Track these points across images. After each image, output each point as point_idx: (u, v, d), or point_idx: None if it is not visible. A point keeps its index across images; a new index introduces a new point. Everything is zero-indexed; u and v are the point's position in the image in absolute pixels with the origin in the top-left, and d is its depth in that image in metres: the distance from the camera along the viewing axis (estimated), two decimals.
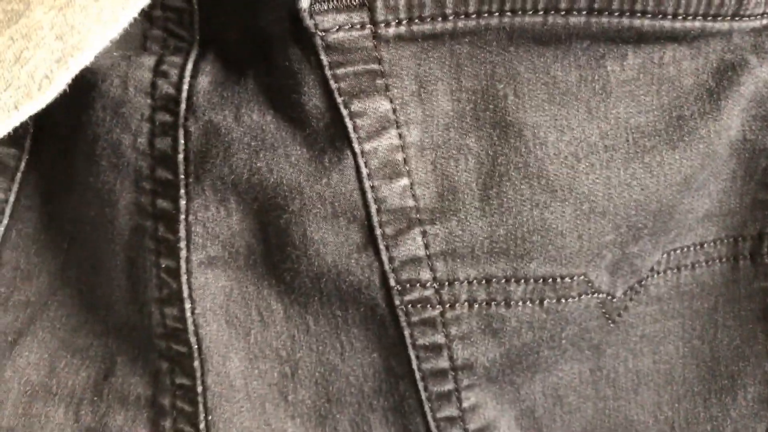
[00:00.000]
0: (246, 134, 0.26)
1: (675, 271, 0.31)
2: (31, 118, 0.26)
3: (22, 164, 0.28)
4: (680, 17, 0.27)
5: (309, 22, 0.25)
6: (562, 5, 0.26)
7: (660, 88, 0.28)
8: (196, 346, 0.27)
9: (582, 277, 0.29)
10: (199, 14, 0.27)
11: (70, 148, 0.28)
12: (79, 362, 0.28)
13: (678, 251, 0.31)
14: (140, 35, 0.27)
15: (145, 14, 0.27)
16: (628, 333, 0.31)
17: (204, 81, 0.27)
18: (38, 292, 0.28)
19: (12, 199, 0.28)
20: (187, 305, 0.27)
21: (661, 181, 0.28)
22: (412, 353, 0.28)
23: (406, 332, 0.28)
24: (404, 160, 0.27)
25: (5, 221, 0.28)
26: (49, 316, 0.28)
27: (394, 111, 0.27)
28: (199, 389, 0.27)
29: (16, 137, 0.28)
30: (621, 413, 0.32)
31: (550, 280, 0.28)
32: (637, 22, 0.27)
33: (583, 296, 0.29)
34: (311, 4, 0.25)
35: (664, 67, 0.28)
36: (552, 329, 0.29)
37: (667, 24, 0.27)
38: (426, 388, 0.29)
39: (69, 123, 0.28)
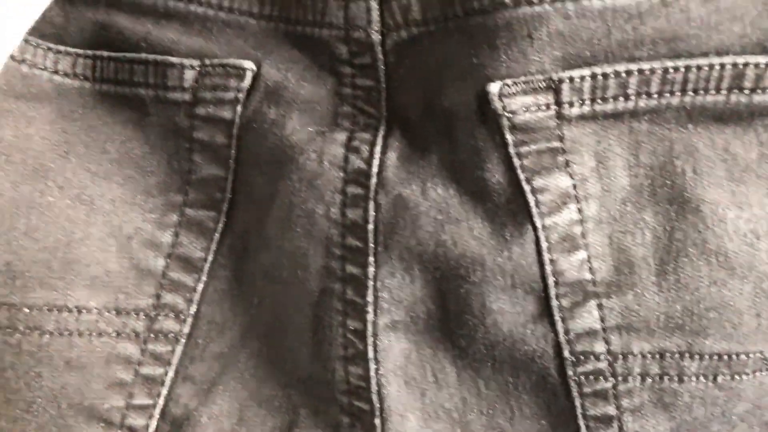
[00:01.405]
0: (432, 208, 0.28)
1: None
2: (227, 185, 0.29)
3: (220, 226, 0.31)
4: None
5: (497, 104, 0.27)
6: (747, 84, 0.26)
7: None
8: (378, 405, 0.29)
9: (758, 354, 0.28)
10: (386, 93, 0.29)
11: (264, 214, 0.30)
12: (266, 413, 0.30)
13: None
14: (332, 112, 0.29)
15: (336, 92, 0.30)
16: None
17: (392, 156, 0.28)
18: (230, 345, 0.31)
19: (210, 258, 0.31)
20: (372, 366, 0.28)
21: None
22: (581, 423, 0.29)
23: (577, 402, 0.29)
24: (582, 233, 0.28)
25: (204, 278, 0.31)
26: (239, 367, 0.31)
27: (574, 186, 0.28)
28: None
29: (214, 202, 0.31)
30: None
31: (726, 356, 0.28)
32: None
33: (758, 373, 0.29)
34: (500, 88, 0.26)
35: None
36: (724, 405, 0.29)
37: None
38: None
39: (265, 191, 0.30)
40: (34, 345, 0.29)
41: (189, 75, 0.30)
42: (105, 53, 0.31)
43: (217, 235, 0.31)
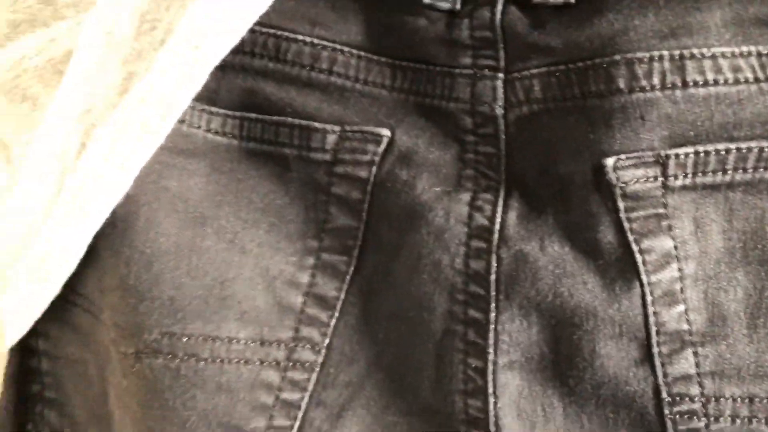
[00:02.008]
0: (550, 262, 0.31)
1: None
2: (359, 234, 0.33)
3: (351, 269, 0.35)
4: None
5: (612, 176, 0.30)
6: None
7: None
8: None
9: None
10: (505, 159, 0.33)
11: (391, 260, 0.34)
12: None
13: None
14: (456, 174, 0.33)
15: (460, 157, 0.34)
16: None
17: (512, 215, 0.32)
18: (358, 375, 0.35)
19: (342, 296, 0.35)
20: (491, 400, 0.32)
21: None
22: None
23: None
24: (681, 289, 0.31)
25: (336, 314, 0.35)
26: (365, 395, 0.35)
27: (676, 248, 0.31)
28: None
29: (347, 248, 0.35)
30: None
31: None
32: None
33: None
34: (614, 161, 0.30)
35: None
36: None
37: None
38: None
39: (393, 241, 0.34)
40: (191, 370, 0.34)
41: (331, 138, 0.34)
42: (252, 115, 0.35)
43: (348, 277, 0.35)
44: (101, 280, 0.35)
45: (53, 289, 0.36)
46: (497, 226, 0.32)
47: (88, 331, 0.38)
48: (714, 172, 0.31)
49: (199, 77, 0.33)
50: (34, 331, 0.40)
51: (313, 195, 0.35)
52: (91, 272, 0.35)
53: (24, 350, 0.41)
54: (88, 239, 0.34)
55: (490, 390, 0.32)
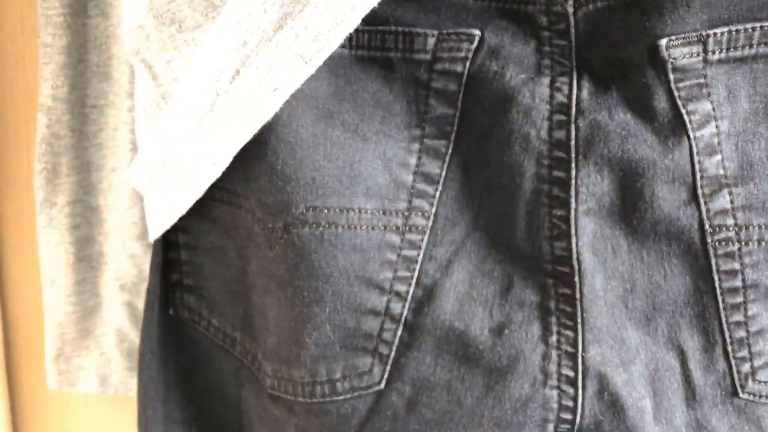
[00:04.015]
0: (617, 127, 0.39)
1: None
2: (454, 121, 0.41)
3: (450, 150, 0.42)
4: None
5: (665, 54, 0.38)
6: None
7: None
8: (577, 267, 0.41)
9: None
10: (575, 49, 0.40)
11: (486, 138, 0.42)
12: (488, 280, 0.42)
13: None
14: (536, 64, 0.41)
15: (538, 50, 0.41)
16: None
17: (585, 93, 0.40)
18: (460, 234, 0.43)
19: (444, 174, 0.42)
20: (573, 240, 0.40)
21: None
22: (715, 276, 0.41)
23: (713, 261, 0.41)
24: (718, 143, 0.40)
25: (440, 188, 0.43)
26: (467, 249, 0.43)
27: (713, 110, 0.40)
28: (578, 296, 0.41)
29: (445, 133, 0.42)
30: None
31: None
32: None
33: None
34: (667, 42, 0.38)
35: None
36: None
37: None
38: (723, 301, 0.41)
39: (485, 122, 0.42)
40: (332, 235, 0.41)
41: (431, 41, 0.41)
42: (360, 27, 0.42)
43: (447, 157, 0.42)
44: (247, 170, 0.42)
45: (198, 191, 0.43)
46: (574, 102, 0.40)
47: (227, 221, 0.46)
48: (743, 47, 0.39)
49: (350, 20, 0.39)
50: (175, 227, 0.47)
51: (414, 90, 0.43)
52: (237, 166, 0.42)
53: (166, 243, 0.48)
54: (235, 150, 0.41)
55: (573, 231, 0.41)
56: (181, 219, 0.46)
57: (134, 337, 0.62)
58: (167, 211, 0.46)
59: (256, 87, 0.40)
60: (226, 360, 0.50)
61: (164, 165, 0.45)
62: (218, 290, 0.49)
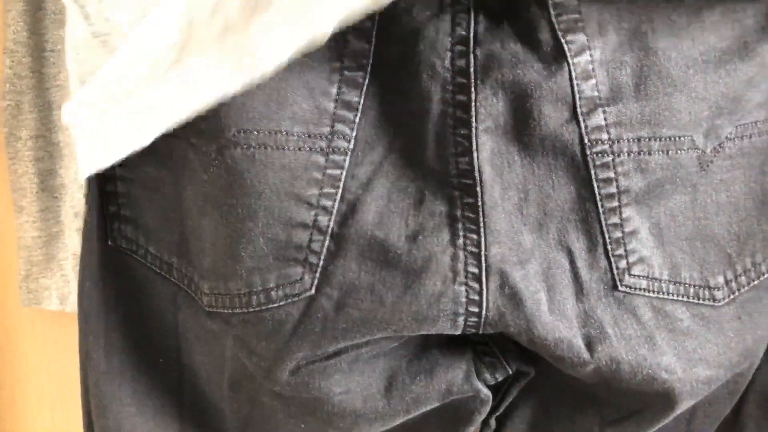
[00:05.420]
0: (509, 55, 0.46)
1: (740, 138, 0.51)
2: (369, 54, 0.46)
3: (366, 81, 0.47)
4: None
5: None
6: None
7: (733, 25, 0.47)
8: (479, 179, 0.47)
9: (689, 138, 0.48)
10: None
11: (398, 69, 0.47)
12: (404, 195, 0.48)
13: (742, 126, 0.50)
14: (438, 2, 0.46)
15: None
16: (712, 177, 0.51)
17: (481, 27, 0.46)
18: (378, 155, 0.49)
19: (362, 101, 0.48)
20: (475, 155, 0.46)
21: (735, 80, 0.48)
22: (595, 184, 0.48)
23: (592, 171, 0.48)
24: (592, 69, 0.47)
25: (359, 115, 0.48)
26: (384, 169, 0.48)
27: (587, 40, 0.47)
28: (480, 204, 0.47)
29: (362, 66, 0.47)
30: (708, 228, 0.52)
31: (674, 138, 0.48)
32: None
33: (689, 150, 0.49)
34: None
35: (738, 12, 0.47)
36: (672, 170, 0.49)
37: None
38: (602, 206, 0.48)
39: (397, 55, 0.47)
40: (262, 155, 0.46)
41: None
42: None
43: (365, 87, 0.48)
44: None
45: (147, 139, 0.46)
46: (472, 35, 0.46)
47: (163, 150, 0.49)
48: None
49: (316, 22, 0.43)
50: None
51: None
52: None
53: (103, 176, 0.51)
54: (191, 110, 0.44)
55: (474, 147, 0.47)
56: None
57: None
58: (107, 152, 0.49)
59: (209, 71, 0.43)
60: (163, 286, 0.53)
61: (113, 107, 0.48)
62: (154, 219, 0.52)
